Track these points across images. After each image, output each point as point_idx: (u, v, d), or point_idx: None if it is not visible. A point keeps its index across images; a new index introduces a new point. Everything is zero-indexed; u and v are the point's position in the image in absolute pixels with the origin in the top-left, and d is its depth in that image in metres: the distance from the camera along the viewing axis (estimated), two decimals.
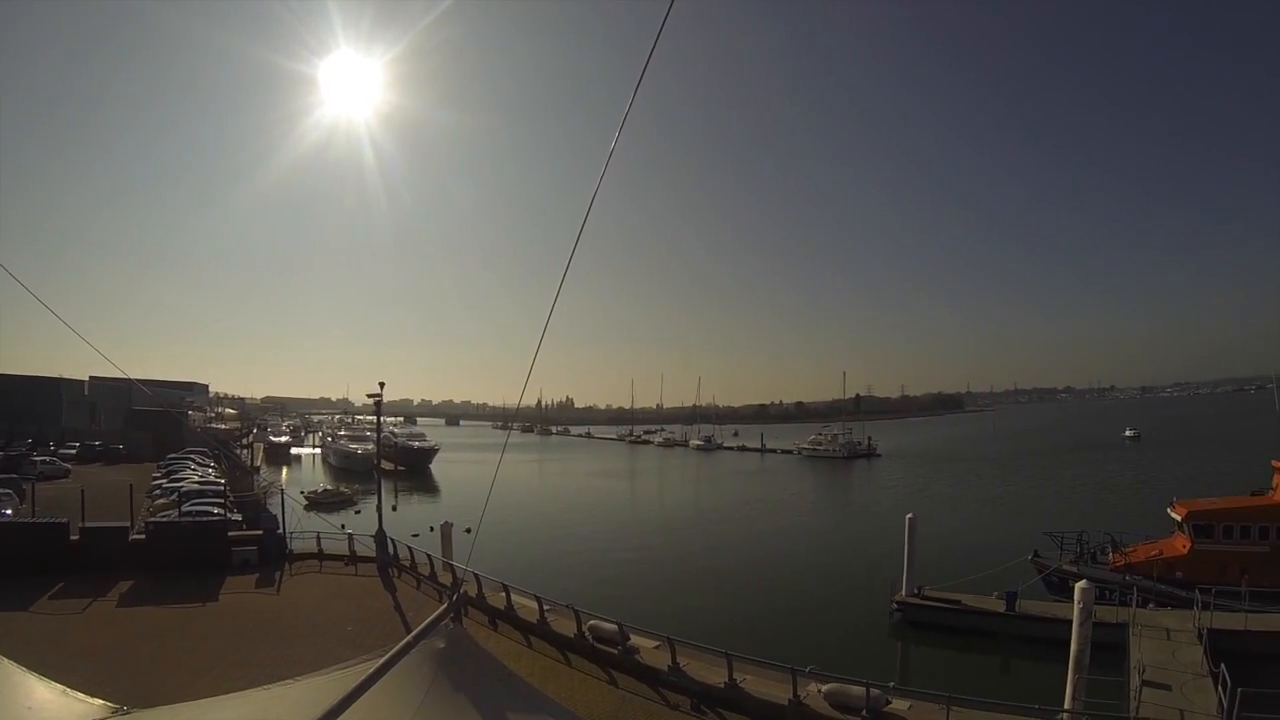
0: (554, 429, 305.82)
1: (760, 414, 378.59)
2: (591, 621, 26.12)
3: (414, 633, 8.73)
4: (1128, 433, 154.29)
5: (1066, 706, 20.66)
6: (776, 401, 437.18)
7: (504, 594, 30.07)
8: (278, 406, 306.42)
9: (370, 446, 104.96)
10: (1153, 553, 35.32)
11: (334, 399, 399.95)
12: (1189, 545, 34.21)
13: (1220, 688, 21.09)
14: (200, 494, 48.34)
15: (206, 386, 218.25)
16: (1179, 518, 35.43)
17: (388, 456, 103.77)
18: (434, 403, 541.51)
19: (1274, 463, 36.29)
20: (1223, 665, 21.81)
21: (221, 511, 41.94)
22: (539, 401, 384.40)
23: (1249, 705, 18.84)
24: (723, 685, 21.68)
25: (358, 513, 68.54)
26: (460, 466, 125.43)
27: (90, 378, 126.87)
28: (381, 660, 7.85)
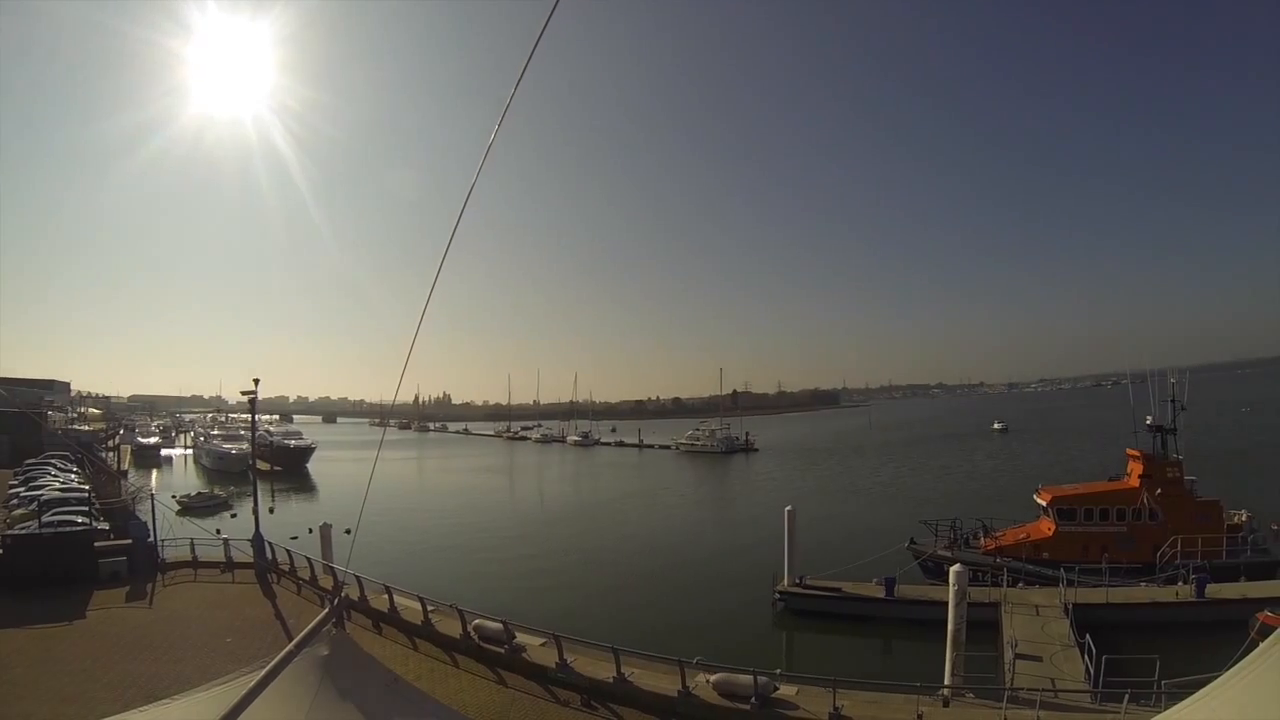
0: (431, 425, 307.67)
1: (637, 410, 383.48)
2: (477, 621, 26.13)
3: (295, 641, 8.53)
4: (996, 425, 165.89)
5: (946, 682, 22.23)
6: (654, 397, 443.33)
7: (387, 596, 29.81)
8: (146, 405, 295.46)
9: (245, 446, 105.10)
10: (1021, 536, 38.33)
11: (207, 397, 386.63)
12: (1054, 528, 37.26)
13: (1086, 656, 23.56)
14: (62, 502, 44.92)
15: (68, 385, 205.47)
16: (1044, 503, 38.58)
17: (264, 456, 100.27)
18: (311, 399, 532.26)
19: (1129, 450, 39.95)
20: (1088, 636, 24.27)
21: (86, 521, 39.29)
22: (416, 397, 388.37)
23: (1112, 670, 20.94)
24: (612, 680, 22.05)
25: (234, 516, 67.37)
26: (339, 465, 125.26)
27: None
28: (263, 672, 7.66)
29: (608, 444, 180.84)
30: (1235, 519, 36.98)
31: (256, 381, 39.99)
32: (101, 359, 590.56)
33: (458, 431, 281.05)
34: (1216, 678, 6.79)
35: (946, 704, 20.55)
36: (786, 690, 21.28)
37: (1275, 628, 6.04)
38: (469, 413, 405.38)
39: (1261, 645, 6.34)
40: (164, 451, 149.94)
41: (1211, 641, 21.46)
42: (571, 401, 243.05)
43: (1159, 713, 6.90)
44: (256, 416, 46.68)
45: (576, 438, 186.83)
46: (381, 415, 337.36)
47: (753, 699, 20.53)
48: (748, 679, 20.81)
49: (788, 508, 36.09)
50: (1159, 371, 48.55)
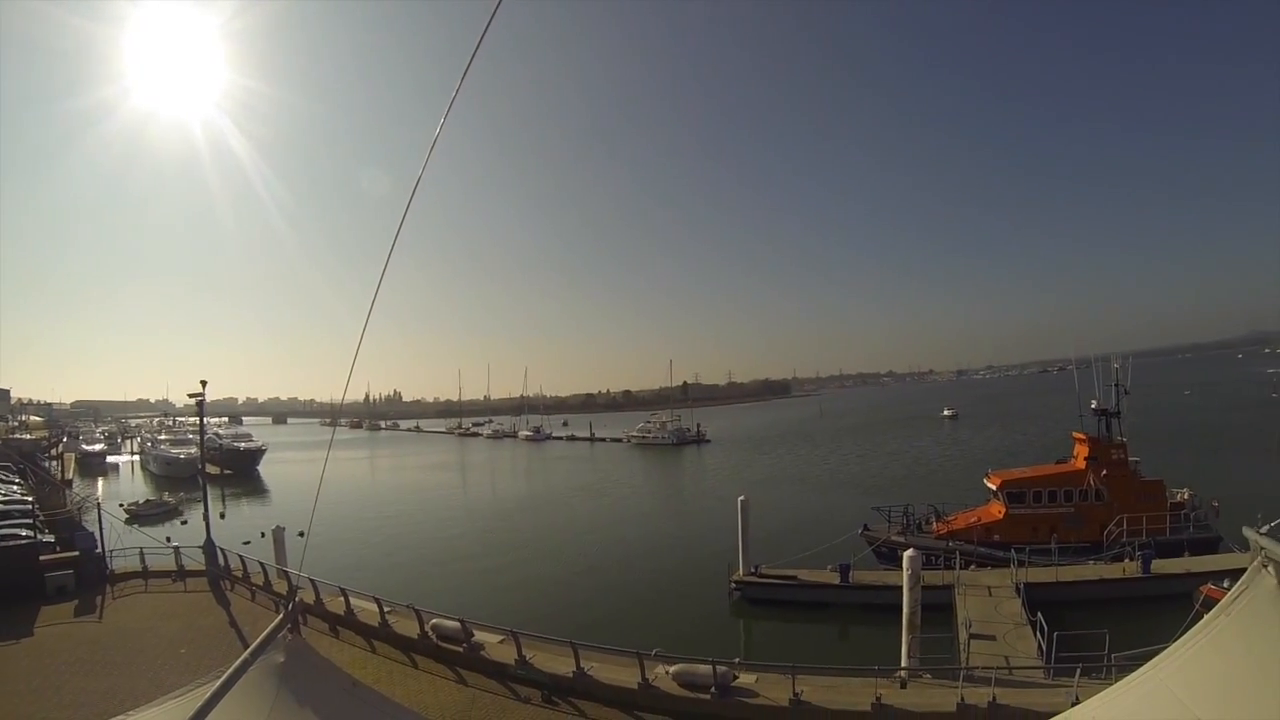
0: (383, 424, 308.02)
1: (588, 403, 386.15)
2: (434, 620, 26.10)
3: (250, 648, 8.42)
4: (946, 412, 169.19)
5: (903, 664, 22.75)
6: (604, 390, 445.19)
7: (343, 598, 29.63)
8: (90, 411, 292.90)
9: (194, 450, 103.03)
10: (972, 520, 39.26)
11: (153, 400, 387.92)
12: (1004, 511, 38.22)
13: (1038, 634, 24.40)
14: (4, 515, 43.25)
15: (7, 392, 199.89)
16: (994, 487, 39.56)
17: (213, 460, 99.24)
18: (260, 400, 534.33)
19: (1075, 434, 41.09)
20: (1039, 614, 25.13)
21: (30, 533, 37.98)
22: (367, 396, 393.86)
23: (1064, 646, 21.83)
24: (571, 675, 22.17)
25: (184, 523, 65.76)
26: (290, 466, 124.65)
27: None
28: (219, 682, 7.55)
29: (559, 438, 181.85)
30: (1178, 497, 38.54)
31: (204, 384, 38.94)
32: (42, 364, 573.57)
33: (409, 429, 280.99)
34: (1164, 649, 7.09)
35: (904, 685, 21.10)
36: (746, 678, 21.65)
37: (1218, 600, 6.32)
38: (420, 410, 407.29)
39: (1206, 617, 6.61)
40: (110, 458, 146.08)
41: (1158, 615, 22.33)
42: (522, 396, 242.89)
43: (1110, 684, 7.18)
44: (205, 419, 45.63)
45: (528, 433, 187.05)
46: (332, 415, 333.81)
47: (713, 688, 20.84)
48: (707, 669, 21.12)
49: (741, 498, 36.47)
50: (1103, 357, 50.26)
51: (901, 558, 24.75)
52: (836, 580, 33.65)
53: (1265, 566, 5.68)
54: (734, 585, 35.56)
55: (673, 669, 21.78)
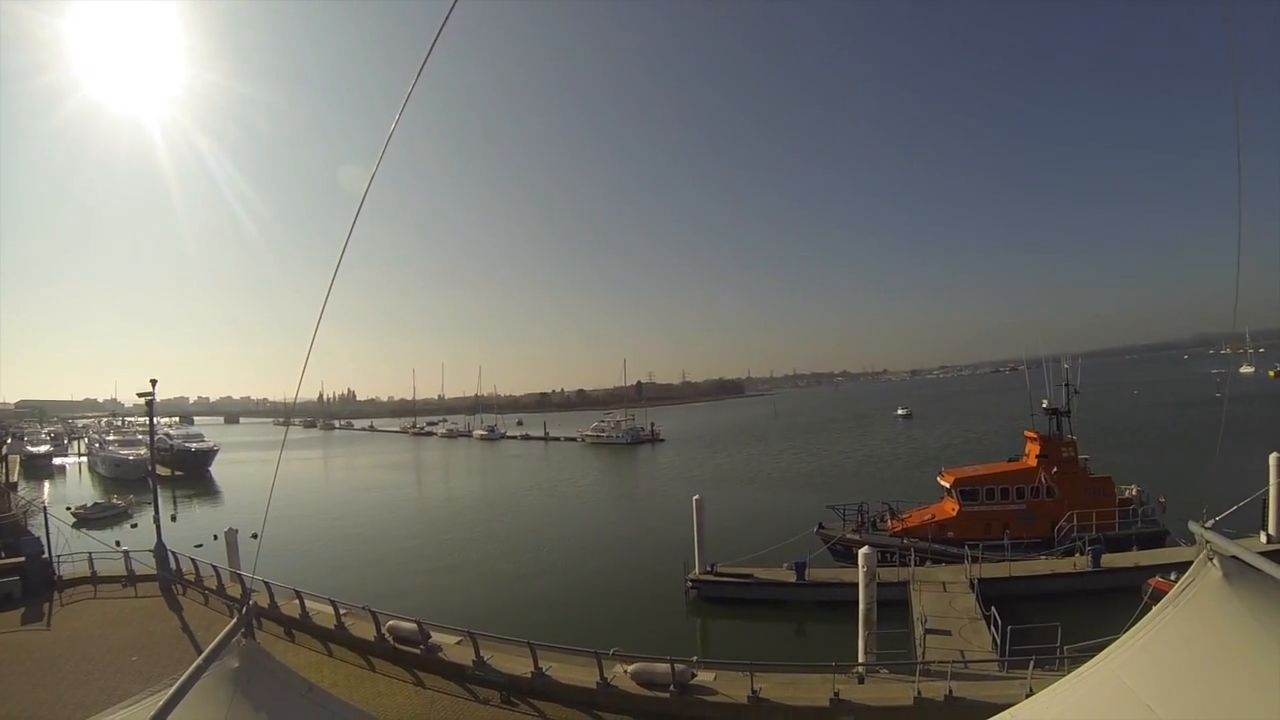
0: (337, 423, 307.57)
1: (542, 402, 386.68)
2: (391, 622, 26.00)
3: (204, 654, 8.30)
4: (900, 411, 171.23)
5: (860, 660, 23.15)
6: (558, 390, 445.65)
7: (298, 601, 29.25)
8: (35, 411, 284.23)
9: (144, 451, 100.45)
10: (926, 517, 40.03)
11: (101, 400, 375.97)
12: (957, 508, 39.00)
13: (993, 627, 24.98)
14: None
15: None
16: (947, 485, 40.35)
17: (164, 461, 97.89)
18: (212, 400, 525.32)
19: (1026, 433, 42.08)
20: (993, 608, 25.73)
21: None
22: (320, 395, 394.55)
23: (1018, 639, 22.41)
24: (530, 675, 22.23)
25: (134, 526, 64.75)
26: (243, 467, 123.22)
27: None
28: (172, 690, 7.42)
29: (514, 437, 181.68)
30: (1126, 493, 39.84)
31: (154, 383, 37.93)
32: None
33: (363, 429, 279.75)
34: (1114, 640, 7.35)
35: (862, 680, 21.48)
36: (704, 676, 21.88)
37: (1166, 592, 6.57)
38: (374, 409, 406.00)
39: (1154, 608, 6.86)
40: (56, 460, 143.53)
41: (1108, 607, 22.93)
42: (476, 395, 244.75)
43: (1063, 675, 7.43)
44: (155, 419, 44.61)
45: (483, 432, 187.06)
46: (286, 414, 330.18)
47: (672, 686, 21.03)
48: (665, 667, 21.34)
49: (695, 497, 36.71)
50: (1054, 358, 51.48)
51: (857, 555, 25.13)
52: (792, 578, 34.04)
53: (1210, 559, 5.94)
54: (690, 584, 35.78)
55: (631, 668, 21.94)
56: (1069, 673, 7.13)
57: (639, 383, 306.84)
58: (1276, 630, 4.84)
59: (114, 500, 77.54)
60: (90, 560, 36.73)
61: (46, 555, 36.07)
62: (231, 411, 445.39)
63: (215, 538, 42.32)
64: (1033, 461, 39.58)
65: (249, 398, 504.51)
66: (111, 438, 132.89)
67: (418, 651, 24.71)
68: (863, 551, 24.69)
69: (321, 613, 28.57)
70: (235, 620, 9.25)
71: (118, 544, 41.17)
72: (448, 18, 6.58)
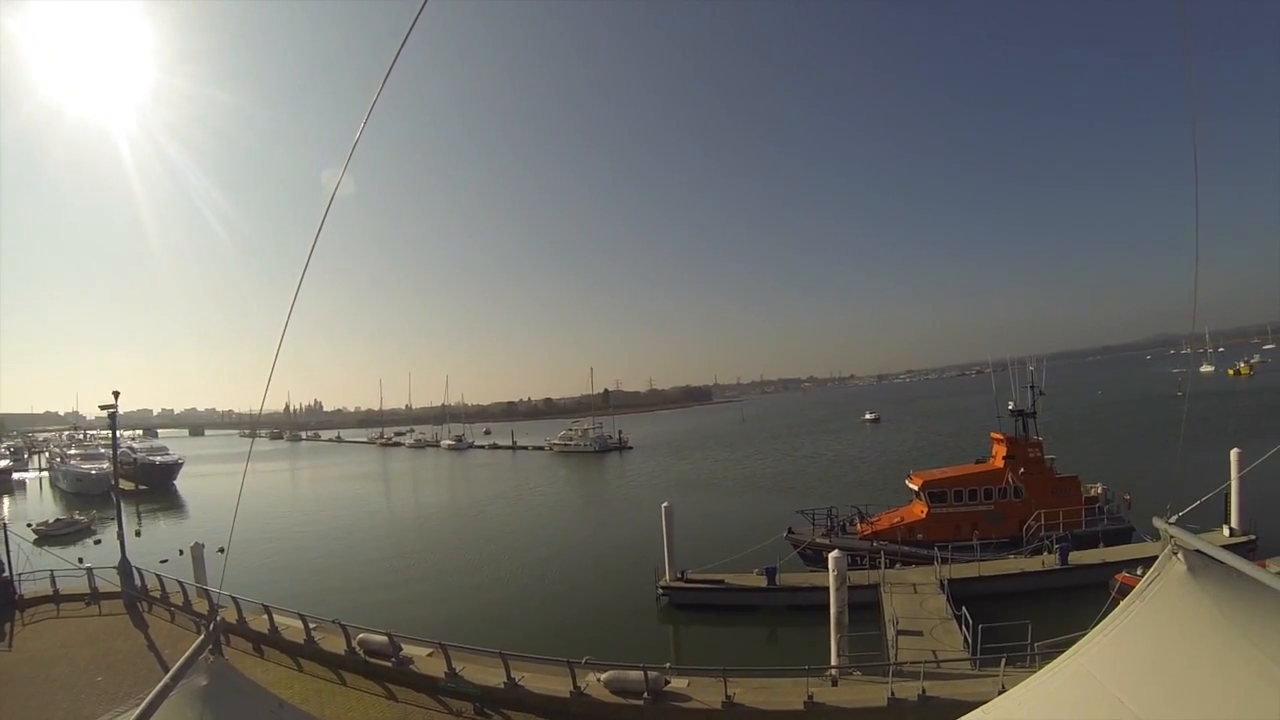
0: (304, 434, 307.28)
1: (510, 411, 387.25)
2: (361, 635, 25.85)
3: (171, 672, 8.18)
4: (868, 416, 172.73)
5: (833, 663, 23.40)
6: (526, 399, 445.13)
7: (266, 616, 28.97)
8: None
9: (107, 465, 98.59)
10: (895, 520, 40.50)
11: (62, 413, 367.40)
12: (926, 510, 39.53)
13: (964, 627, 25.44)
14: None
15: None
16: (916, 487, 40.85)
17: (127, 475, 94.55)
18: (176, 412, 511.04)
19: (993, 434, 42.77)
20: (964, 608, 26.19)
21: None
22: (287, 406, 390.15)
23: (989, 638, 22.81)
24: (503, 685, 22.23)
25: (98, 542, 63.58)
26: (209, 480, 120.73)
27: None
28: (138, 710, 7.30)
29: (482, 446, 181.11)
30: (1092, 491, 40.76)
31: (117, 394, 37.08)
32: None
33: (330, 439, 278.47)
34: (1083, 636, 7.51)
35: (835, 683, 21.73)
36: (678, 683, 21.98)
37: (1132, 587, 6.74)
38: (341, 420, 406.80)
39: (1121, 603, 7.03)
40: (16, 475, 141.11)
41: (1076, 604, 23.42)
42: (444, 405, 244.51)
43: (1034, 672, 7.58)
44: (118, 432, 43.79)
45: (451, 441, 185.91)
46: (251, 426, 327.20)
47: (645, 694, 21.11)
48: (638, 675, 21.41)
49: (665, 504, 36.84)
50: (1019, 360, 52.38)
51: (827, 559, 25.42)
52: (763, 583, 34.30)
53: (1175, 554, 6.11)
54: (661, 591, 35.94)
55: (604, 676, 22.00)
56: (1040, 669, 7.26)
57: (606, 390, 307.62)
58: (1240, 620, 5.01)
59: (76, 516, 76.17)
60: (52, 578, 36.22)
61: (7, 574, 35.53)
62: (196, 424, 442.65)
63: (181, 553, 41.67)
64: (1000, 463, 40.21)
65: (214, 409, 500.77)
66: (73, 451, 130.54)
67: (389, 664, 24.55)
68: (833, 555, 25.01)
69: (291, 627, 28.30)
70: (202, 637, 9.13)
71: (80, 561, 40.40)
72: (411, 28, 6.63)
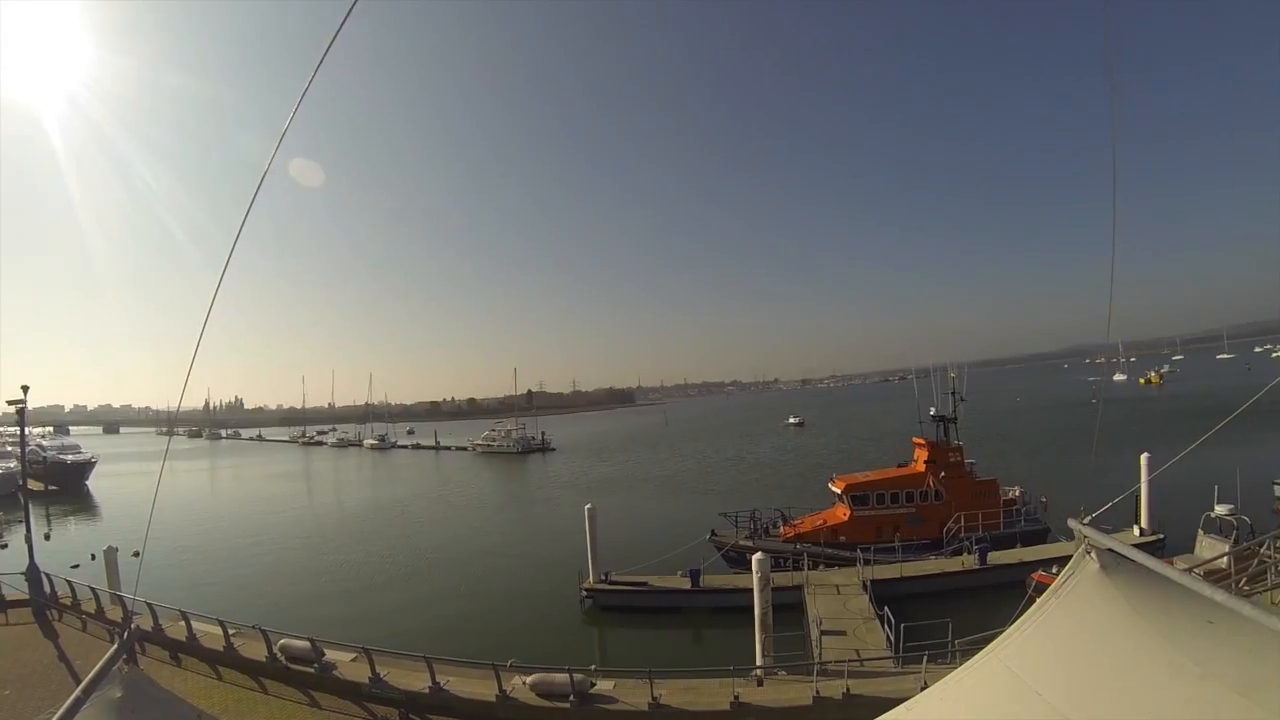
0: (223, 433, 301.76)
1: (433, 411, 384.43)
2: (282, 641, 25.22)
3: (83, 685, 7.91)
4: (792, 420, 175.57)
5: (758, 663, 23.77)
6: (449, 399, 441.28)
7: (183, 623, 27.97)
8: None
9: (14, 464, 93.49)
10: (819, 522, 41.33)
11: None
12: (849, 513, 40.41)
13: (886, 626, 26.22)
14: None
15: None
16: (839, 490, 41.76)
17: (36, 475, 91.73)
18: (90, 408, 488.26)
19: (915, 439, 43.97)
20: (886, 608, 26.93)
21: None
22: (206, 403, 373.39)
23: (911, 636, 23.50)
24: (428, 690, 22.02)
25: (4, 547, 59.87)
26: (124, 480, 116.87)
27: None
28: None
29: (405, 446, 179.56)
30: (1010, 494, 42.52)
31: (25, 389, 35.43)
32: None
33: (251, 438, 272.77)
34: (1001, 632, 7.82)
35: (761, 683, 22.12)
36: (604, 685, 22.08)
37: (1048, 585, 7.05)
38: (262, 418, 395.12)
39: (1038, 601, 7.34)
40: None
41: (995, 602, 24.24)
42: (367, 404, 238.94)
43: (955, 667, 7.84)
44: (26, 429, 41.79)
45: (373, 441, 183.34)
46: (169, 423, 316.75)
47: (571, 696, 21.14)
48: (564, 677, 21.44)
49: (588, 506, 37.00)
50: (941, 367, 53.97)
51: (750, 561, 25.83)
52: (687, 585, 34.57)
53: (1089, 553, 6.42)
54: (585, 593, 36.00)
55: (530, 679, 21.97)
56: (960, 665, 7.53)
57: (530, 391, 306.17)
58: (1150, 615, 5.29)
59: None
60: None
61: None
62: (111, 421, 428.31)
63: (93, 557, 39.71)
64: (921, 467, 41.35)
65: (130, 406, 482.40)
66: None
67: (312, 670, 24.05)
68: (756, 557, 25.46)
69: (209, 634, 27.46)
70: (116, 646, 8.86)
71: None
72: (349, 13, 6.61)
